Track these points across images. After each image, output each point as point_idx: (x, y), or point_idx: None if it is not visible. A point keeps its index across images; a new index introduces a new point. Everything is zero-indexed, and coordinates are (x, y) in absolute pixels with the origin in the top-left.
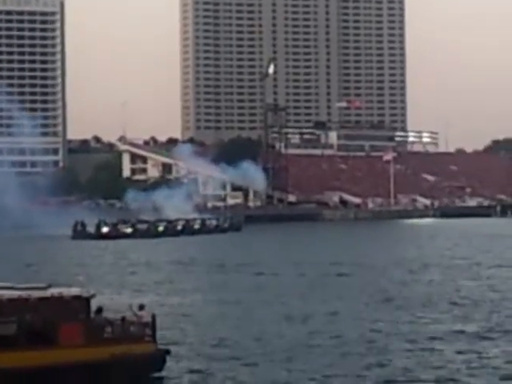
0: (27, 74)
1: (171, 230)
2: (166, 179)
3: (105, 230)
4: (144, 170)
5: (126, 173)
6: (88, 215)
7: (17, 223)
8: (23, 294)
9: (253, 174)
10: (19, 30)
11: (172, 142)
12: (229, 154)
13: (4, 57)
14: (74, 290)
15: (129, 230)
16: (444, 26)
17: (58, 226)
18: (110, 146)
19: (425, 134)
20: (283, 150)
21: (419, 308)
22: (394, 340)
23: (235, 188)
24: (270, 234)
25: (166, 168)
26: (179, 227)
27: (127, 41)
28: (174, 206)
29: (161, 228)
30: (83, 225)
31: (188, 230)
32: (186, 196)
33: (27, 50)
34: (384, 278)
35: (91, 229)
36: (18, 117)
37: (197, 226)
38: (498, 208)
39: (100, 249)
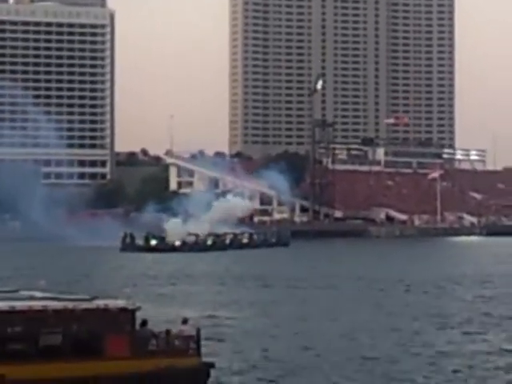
0: (76, 86)
1: (219, 244)
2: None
3: (153, 242)
4: (190, 184)
5: (173, 186)
6: (134, 228)
7: (60, 235)
8: (69, 304)
9: (276, 183)
10: (69, 42)
11: (219, 155)
12: (276, 168)
13: (54, 69)
14: (120, 302)
15: (177, 243)
16: (493, 42)
17: (104, 238)
18: (157, 159)
19: (472, 152)
20: (330, 166)
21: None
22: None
23: (281, 203)
24: (317, 249)
25: (213, 182)
26: (227, 241)
27: (176, 54)
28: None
29: (209, 241)
30: (132, 237)
31: (236, 243)
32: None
33: (77, 62)
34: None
35: (140, 241)
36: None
37: (245, 241)
38: None
39: (148, 261)
